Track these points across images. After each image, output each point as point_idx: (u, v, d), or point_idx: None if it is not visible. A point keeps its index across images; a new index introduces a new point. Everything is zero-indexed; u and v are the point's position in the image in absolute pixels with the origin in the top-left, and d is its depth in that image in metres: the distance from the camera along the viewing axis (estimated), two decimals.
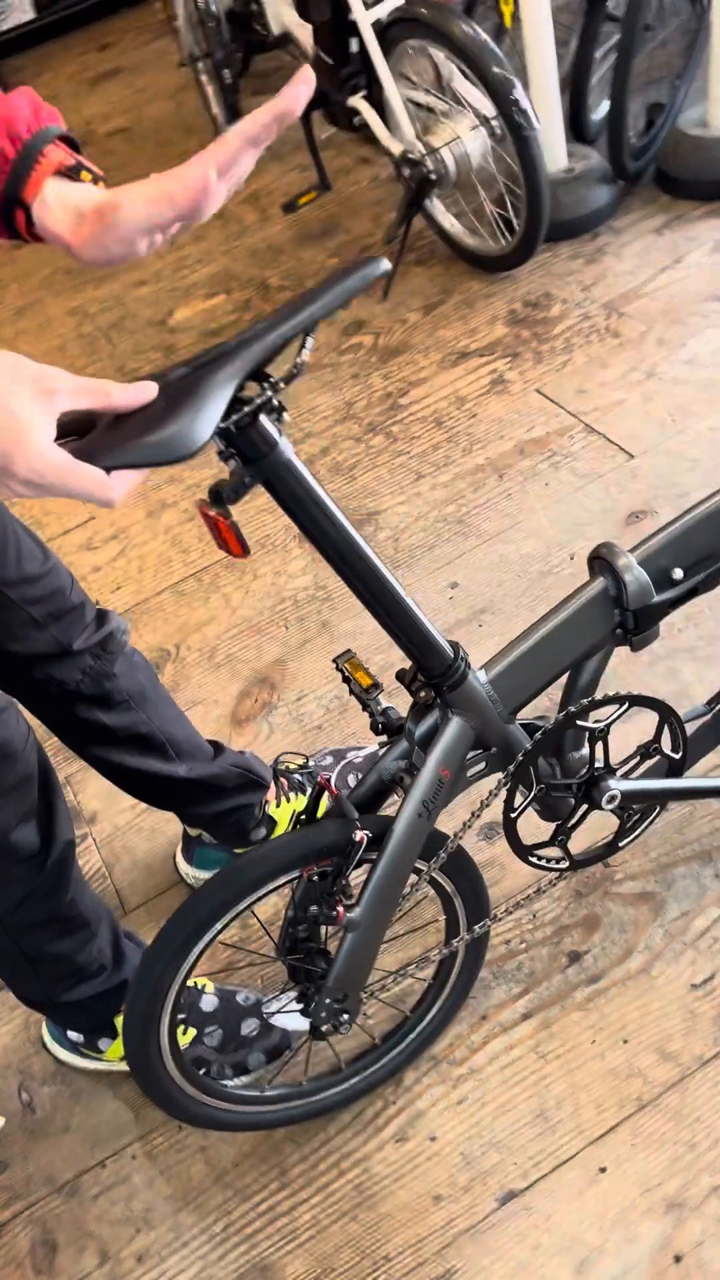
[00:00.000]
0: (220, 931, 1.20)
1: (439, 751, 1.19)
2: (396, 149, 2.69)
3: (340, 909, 1.19)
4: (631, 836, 1.35)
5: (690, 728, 1.48)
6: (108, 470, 0.83)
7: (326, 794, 1.23)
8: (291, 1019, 1.41)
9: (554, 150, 2.76)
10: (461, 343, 2.59)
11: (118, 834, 1.81)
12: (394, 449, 2.38)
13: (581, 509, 2.13)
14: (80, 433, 0.87)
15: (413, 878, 1.28)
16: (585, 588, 1.22)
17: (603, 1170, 1.33)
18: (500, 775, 1.25)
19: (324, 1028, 1.26)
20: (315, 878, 1.21)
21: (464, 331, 2.62)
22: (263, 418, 0.95)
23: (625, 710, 1.25)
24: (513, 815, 1.25)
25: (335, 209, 3.21)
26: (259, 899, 1.20)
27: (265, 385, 0.95)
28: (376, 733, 1.25)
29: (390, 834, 1.19)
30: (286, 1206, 1.38)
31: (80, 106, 4.26)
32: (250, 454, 0.97)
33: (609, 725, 1.24)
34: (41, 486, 0.80)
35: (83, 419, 0.87)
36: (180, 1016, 1.45)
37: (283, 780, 1.66)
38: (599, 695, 1.24)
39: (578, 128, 2.98)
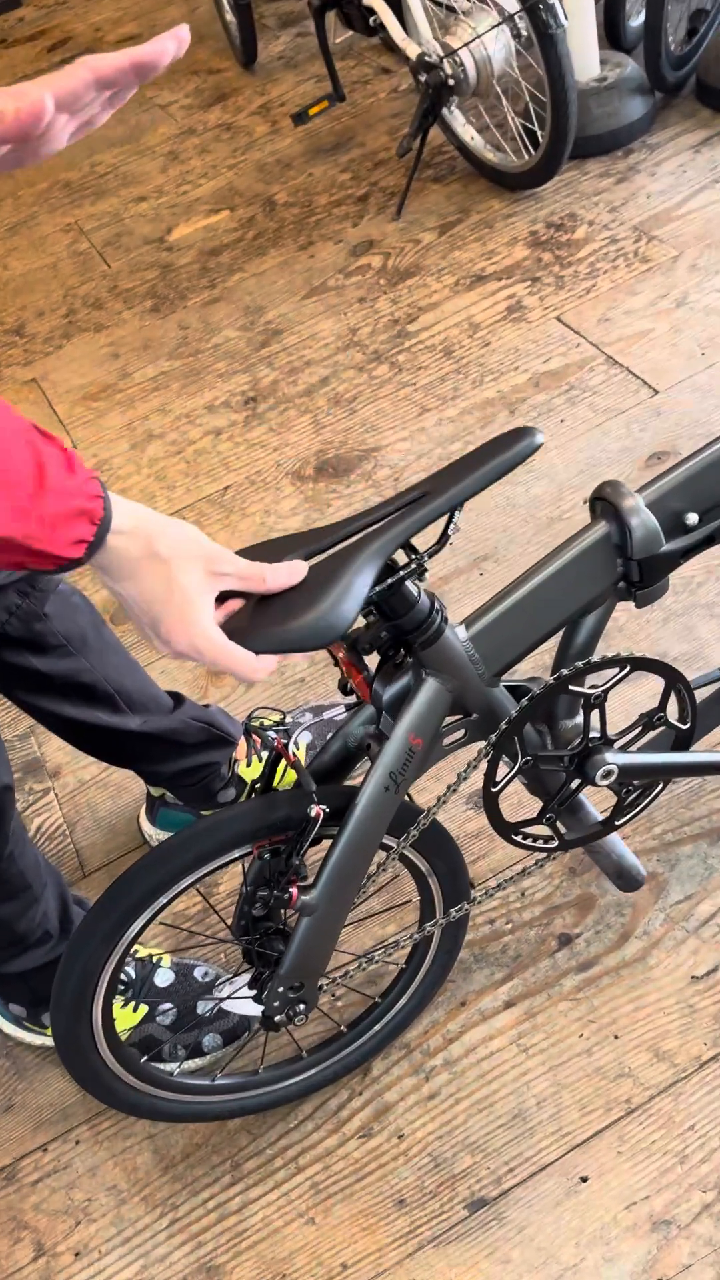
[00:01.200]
0: (160, 910, 1.07)
1: (410, 717, 1.04)
2: (413, 51, 2.48)
3: (294, 890, 1.05)
4: (629, 815, 1.20)
5: (704, 693, 1.33)
6: (256, 652, 0.88)
7: (285, 760, 1.09)
8: (245, 1005, 1.29)
9: (585, 56, 2.53)
10: (478, 265, 2.40)
11: (81, 789, 1.69)
12: (399, 380, 2.21)
13: (599, 449, 1.95)
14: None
15: (381, 855, 1.14)
16: (584, 533, 1.06)
17: (584, 1180, 1.21)
18: (481, 744, 1.10)
19: (277, 1018, 1.13)
20: (267, 855, 1.07)
21: (481, 254, 2.43)
22: (406, 582, 0.98)
23: (626, 674, 1.09)
24: (494, 790, 1.11)
25: (350, 122, 2.99)
26: (202, 878, 1.07)
27: (411, 557, 0.99)
28: (344, 692, 1.11)
29: (352, 808, 1.05)
30: (238, 1204, 1.26)
31: (89, 12, 4.03)
32: (390, 614, 1.00)
33: (607, 691, 1.09)
34: (193, 659, 0.86)
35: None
36: (119, 997, 1.33)
37: (255, 738, 1.53)
38: (596, 657, 1.09)
39: (613, 34, 2.75)
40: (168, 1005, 1.35)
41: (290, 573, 0.92)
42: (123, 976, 1.35)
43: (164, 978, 1.37)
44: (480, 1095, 1.28)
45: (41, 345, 2.58)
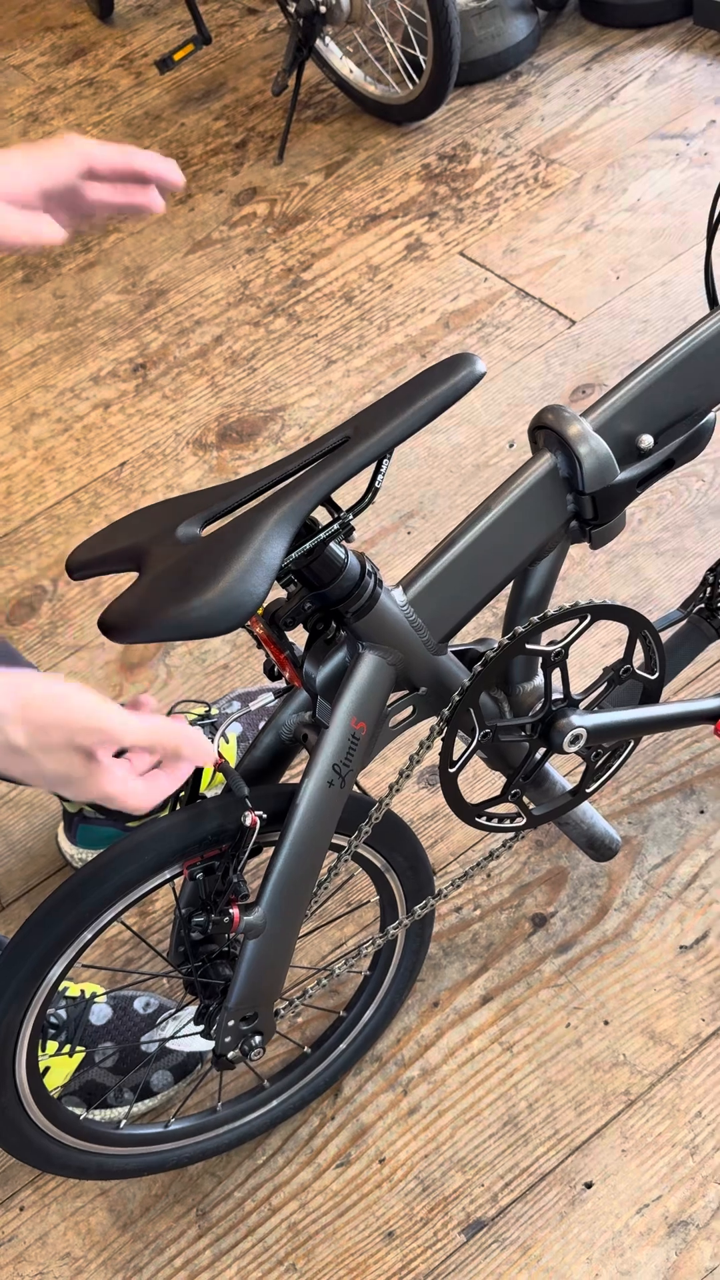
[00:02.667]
0: (82, 951, 0.92)
1: (349, 699, 0.91)
2: None
3: (235, 911, 0.91)
4: (600, 780, 1.08)
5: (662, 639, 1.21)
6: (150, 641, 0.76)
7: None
8: (193, 1042, 1.15)
9: None
10: (370, 205, 2.25)
11: None
12: (299, 332, 2.05)
13: (519, 387, 1.83)
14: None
15: (331, 856, 1.01)
16: (527, 469, 0.93)
17: (588, 1186, 1.09)
18: (433, 720, 0.97)
19: (230, 1054, 0.99)
20: (200, 874, 0.93)
21: (373, 192, 2.27)
22: (331, 544, 0.85)
23: (587, 626, 0.97)
24: (452, 770, 0.98)
25: (219, 67, 2.80)
26: (126, 909, 0.92)
27: (334, 515, 0.85)
28: (271, 677, 0.97)
29: (293, 810, 0.91)
30: (209, 1258, 1.13)
31: None
32: (314, 582, 0.86)
33: (568, 646, 0.96)
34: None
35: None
36: (51, 1043, 1.17)
37: None
38: (552, 609, 0.96)
39: None
40: (107, 1045, 1.20)
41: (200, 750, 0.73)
42: (52, 1019, 1.20)
43: (100, 1015, 1.22)
44: (465, 1104, 1.16)
45: None
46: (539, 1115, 1.14)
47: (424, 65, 2.25)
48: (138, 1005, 1.23)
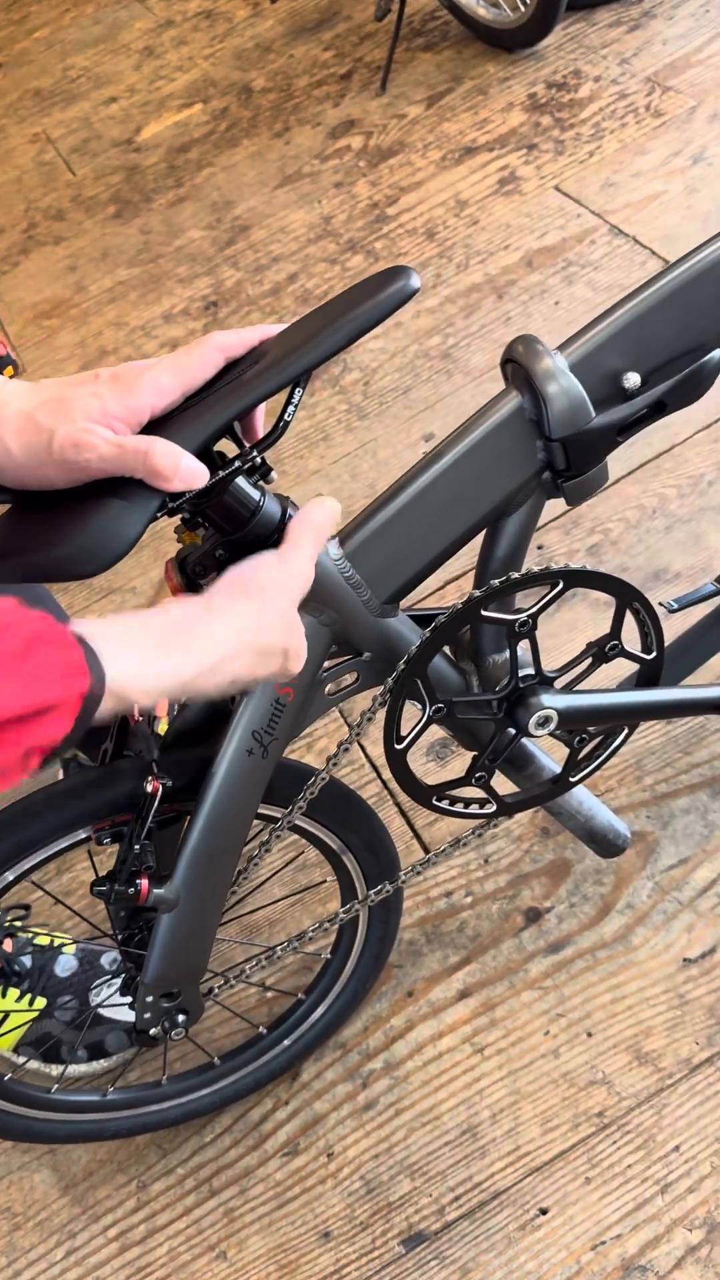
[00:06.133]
0: None
1: None
2: None
3: (143, 883, 0.84)
4: (586, 770, 0.96)
5: (692, 615, 1.07)
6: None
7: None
8: (123, 1011, 1.10)
9: None
10: (468, 137, 2.10)
11: None
12: (375, 269, 1.93)
13: None
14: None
15: (269, 832, 0.92)
16: (489, 409, 0.81)
17: (543, 1212, 0.99)
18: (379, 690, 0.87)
19: (152, 1031, 0.93)
20: (107, 839, 0.86)
21: (472, 124, 2.13)
22: (240, 481, 0.74)
23: (559, 594, 0.85)
24: (398, 746, 0.88)
25: None
26: (30, 870, 0.86)
27: (241, 450, 0.74)
28: None
29: (209, 779, 0.83)
30: (142, 1233, 1.08)
31: None
32: (224, 526, 0.75)
33: (535, 616, 0.85)
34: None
35: None
36: (13, 990, 1.14)
37: None
38: (521, 571, 0.84)
39: None
40: (68, 998, 1.16)
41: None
42: (16, 966, 1.17)
43: (65, 966, 1.18)
44: (424, 1106, 1.07)
45: None
46: (501, 1128, 1.04)
47: None
48: (105, 961, 1.19)
